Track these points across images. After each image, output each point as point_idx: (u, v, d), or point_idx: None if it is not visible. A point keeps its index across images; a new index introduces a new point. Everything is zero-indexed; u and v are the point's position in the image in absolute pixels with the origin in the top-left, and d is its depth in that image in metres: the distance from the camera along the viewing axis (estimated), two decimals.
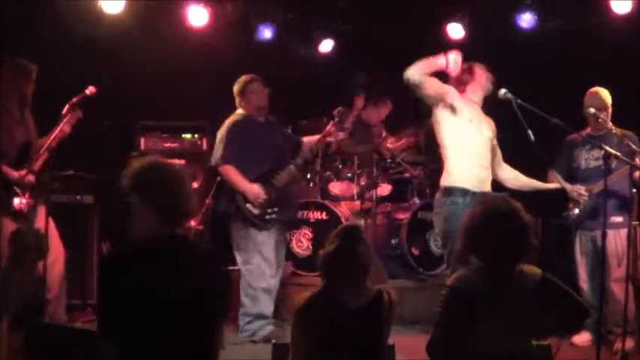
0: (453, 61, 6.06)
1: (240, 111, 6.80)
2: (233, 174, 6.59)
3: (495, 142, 6.29)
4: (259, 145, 6.67)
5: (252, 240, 6.64)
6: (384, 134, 8.76)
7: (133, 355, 3.31)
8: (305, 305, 3.95)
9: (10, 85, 6.25)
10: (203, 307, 3.42)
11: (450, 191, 5.94)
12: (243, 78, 6.81)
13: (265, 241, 6.66)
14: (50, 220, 6.18)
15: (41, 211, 6.19)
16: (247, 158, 6.60)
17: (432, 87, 5.99)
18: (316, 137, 7.00)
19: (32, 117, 6.35)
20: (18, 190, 6.10)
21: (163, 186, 3.48)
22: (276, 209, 6.64)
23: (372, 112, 8.80)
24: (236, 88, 6.81)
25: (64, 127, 6.27)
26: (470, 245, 3.96)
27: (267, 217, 6.62)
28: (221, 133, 6.74)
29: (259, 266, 6.64)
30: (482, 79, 6.22)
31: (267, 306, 6.67)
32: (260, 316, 6.64)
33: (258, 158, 6.64)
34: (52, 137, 6.14)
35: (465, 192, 5.89)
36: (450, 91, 6.05)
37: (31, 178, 6.14)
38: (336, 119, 6.93)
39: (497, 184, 6.22)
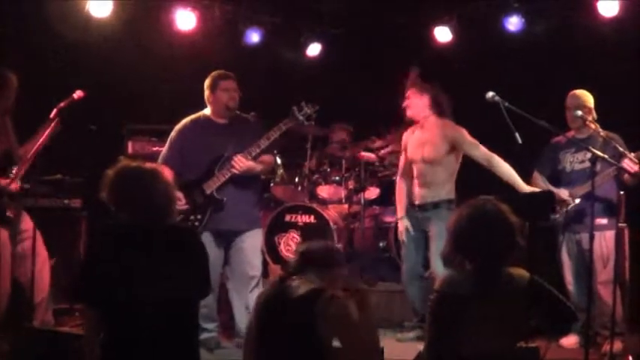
0: None
1: (206, 110, 6.58)
2: None
3: (465, 146, 6.60)
4: (201, 149, 6.42)
5: None
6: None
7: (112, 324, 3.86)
8: (262, 294, 4.21)
9: None
10: (179, 289, 3.87)
11: None
12: (216, 73, 6.57)
13: None
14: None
15: (25, 217, 6.21)
16: (185, 163, 6.44)
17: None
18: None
19: (11, 124, 6.26)
20: (5, 199, 6.06)
21: (132, 195, 3.96)
22: (199, 216, 6.36)
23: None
24: (207, 82, 6.55)
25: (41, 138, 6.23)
26: (457, 247, 3.97)
27: (189, 224, 6.29)
28: (172, 131, 6.61)
29: None
30: (412, 95, 6.73)
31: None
32: None
33: (196, 164, 6.42)
34: (39, 144, 6.08)
35: None
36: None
37: (16, 185, 6.09)
38: (295, 112, 6.50)
39: (484, 188, 6.23)
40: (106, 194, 4.07)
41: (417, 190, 6.69)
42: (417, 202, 6.68)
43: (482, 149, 6.51)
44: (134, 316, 3.86)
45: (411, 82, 6.74)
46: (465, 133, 6.57)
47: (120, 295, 3.83)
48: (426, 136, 6.64)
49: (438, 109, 6.66)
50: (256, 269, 6.59)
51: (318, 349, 3.90)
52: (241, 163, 6.26)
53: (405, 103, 6.73)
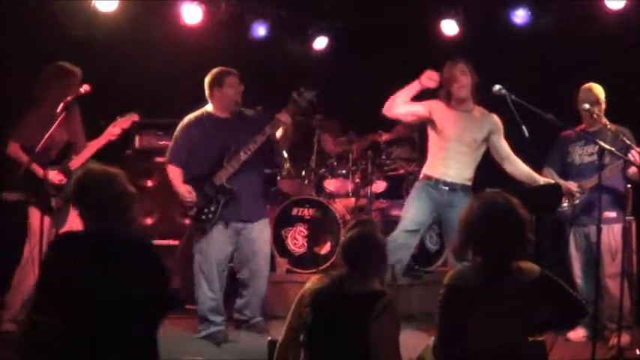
0: (426, 78, 6.54)
1: (208, 106, 6.68)
2: (172, 174, 6.61)
3: (495, 138, 6.59)
4: (208, 145, 6.56)
5: (196, 238, 6.66)
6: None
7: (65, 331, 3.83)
8: (311, 290, 4.06)
9: (52, 88, 6.44)
10: (129, 298, 3.83)
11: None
12: (219, 69, 6.65)
13: (207, 240, 6.56)
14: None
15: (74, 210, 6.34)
16: (193, 159, 6.60)
17: (411, 115, 6.73)
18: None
19: (81, 119, 6.55)
20: (51, 189, 6.29)
21: (89, 197, 3.98)
22: (213, 208, 6.50)
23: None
24: (210, 79, 6.65)
25: (112, 130, 6.63)
26: (467, 240, 3.96)
27: (204, 216, 6.51)
28: (176, 130, 6.71)
29: (198, 265, 6.61)
30: (457, 77, 6.56)
31: (206, 306, 6.60)
32: (202, 318, 6.64)
33: (203, 158, 6.57)
34: (46, 137, 6.13)
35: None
36: (429, 109, 6.64)
37: (60, 177, 6.36)
38: (294, 98, 6.57)
39: (490, 181, 6.23)
40: (69, 195, 4.13)
41: (445, 168, 6.59)
42: (447, 179, 6.57)
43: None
44: (84, 336, 3.85)
45: (462, 63, 6.61)
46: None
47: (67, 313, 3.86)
48: (469, 118, 6.60)
49: (476, 95, 6.66)
50: (267, 258, 6.82)
51: (366, 350, 3.90)
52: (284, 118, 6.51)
53: (463, 82, 6.55)
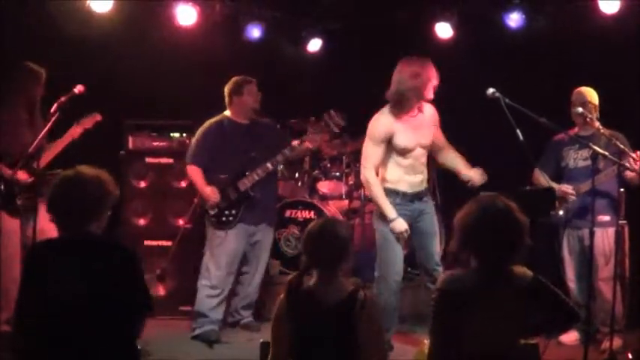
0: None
1: (227, 112, 6.95)
2: (194, 175, 6.84)
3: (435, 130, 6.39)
4: (229, 149, 6.83)
5: (210, 238, 6.90)
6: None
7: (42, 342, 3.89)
8: (283, 303, 4.01)
9: (18, 88, 6.49)
10: (101, 301, 3.85)
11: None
12: (240, 78, 6.93)
13: (221, 241, 6.82)
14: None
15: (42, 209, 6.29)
16: (214, 162, 6.83)
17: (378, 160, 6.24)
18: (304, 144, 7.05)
19: (42, 120, 6.44)
20: (16, 189, 6.30)
21: (57, 201, 4.02)
22: (234, 212, 6.80)
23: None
24: (231, 87, 6.92)
25: (74, 130, 6.61)
26: (465, 244, 3.94)
27: (224, 218, 6.80)
28: (197, 133, 6.94)
29: (206, 263, 6.87)
30: (433, 78, 6.15)
31: (205, 304, 6.81)
32: (198, 314, 6.83)
33: (224, 162, 6.82)
34: (39, 138, 6.13)
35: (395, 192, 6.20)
36: (385, 135, 6.15)
37: (25, 176, 6.32)
38: (326, 121, 6.91)
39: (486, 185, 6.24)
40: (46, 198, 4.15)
41: (410, 178, 6.26)
42: (412, 191, 6.25)
43: None
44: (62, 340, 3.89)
45: (432, 65, 6.35)
46: None
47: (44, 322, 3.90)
48: (423, 120, 6.29)
49: None
50: (265, 263, 7.25)
51: (356, 351, 3.91)
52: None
53: (435, 87, 6.19)
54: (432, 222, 6.35)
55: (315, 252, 4.05)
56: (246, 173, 6.79)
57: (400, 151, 6.17)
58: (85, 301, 3.85)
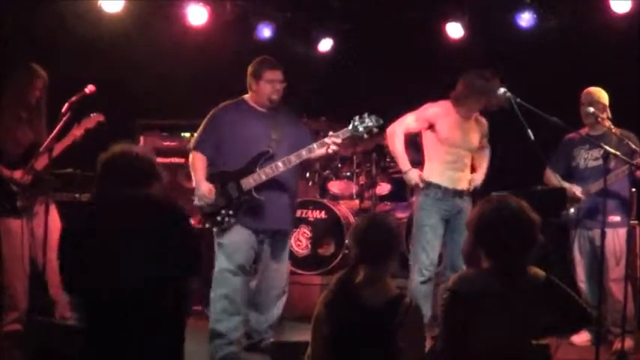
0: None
1: (246, 95, 6.14)
2: (196, 163, 5.99)
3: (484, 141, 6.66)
4: (241, 136, 5.95)
5: (216, 239, 6.04)
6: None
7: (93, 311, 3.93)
8: (328, 300, 3.97)
9: (17, 88, 6.45)
10: (157, 267, 3.85)
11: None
12: (261, 59, 6.11)
13: (230, 243, 5.95)
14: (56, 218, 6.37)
15: (52, 209, 6.37)
16: (221, 150, 5.97)
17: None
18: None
19: (44, 120, 6.49)
20: (15, 189, 6.28)
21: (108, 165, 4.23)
22: (231, 212, 5.89)
23: None
24: (250, 69, 6.07)
25: (76, 131, 6.50)
26: (479, 244, 3.92)
27: (219, 218, 5.89)
28: (208, 115, 6.12)
29: (220, 270, 5.98)
30: (464, 91, 6.41)
31: (223, 321, 5.90)
32: (216, 335, 5.92)
33: (232, 152, 5.94)
34: (51, 138, 6.16)
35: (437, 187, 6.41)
36: (428, 117, 6.46)
37: (27, 177, 6.30)
38: (356, 123, 5.97)
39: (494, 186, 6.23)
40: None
41: (451, 173, 6.43)
42: (453, 187, 6.41)
43: None
44: (112, 301, 3.89)
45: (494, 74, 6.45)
46: None
47: (94, 279, 3.90)
48: (471, 124, 6.53)
49: None
50: (283, 277, 6.27)
51: (396, 356, 3.87)
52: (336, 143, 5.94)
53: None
54: None
55: (367, 244, 3.98)
56: (254, 170, 5.87)
57: (443, 140, 6.40)
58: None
